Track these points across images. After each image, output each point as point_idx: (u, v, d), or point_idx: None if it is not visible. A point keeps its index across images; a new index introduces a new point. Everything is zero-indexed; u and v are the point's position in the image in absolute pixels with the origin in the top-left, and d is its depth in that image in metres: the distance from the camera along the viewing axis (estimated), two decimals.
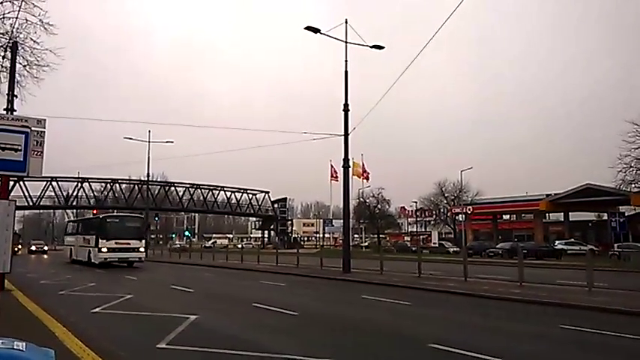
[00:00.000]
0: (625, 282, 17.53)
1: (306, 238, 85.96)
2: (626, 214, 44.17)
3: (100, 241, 26.02)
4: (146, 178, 48.46)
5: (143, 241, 28.22)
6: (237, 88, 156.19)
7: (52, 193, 57.18)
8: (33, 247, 53.12)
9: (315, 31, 20.47)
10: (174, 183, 66.73)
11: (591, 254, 18.18)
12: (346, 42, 21.11)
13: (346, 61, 21.54)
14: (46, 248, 54.66)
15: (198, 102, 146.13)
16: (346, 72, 21.73)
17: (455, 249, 48.40)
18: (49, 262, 36.02)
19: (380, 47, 21.63)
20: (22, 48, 16.66)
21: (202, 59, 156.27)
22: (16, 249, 42.99)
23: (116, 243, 26.03)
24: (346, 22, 21.06)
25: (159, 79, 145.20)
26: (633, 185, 30.64)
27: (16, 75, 16.55)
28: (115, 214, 31.29)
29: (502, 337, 8.39)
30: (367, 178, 54.45)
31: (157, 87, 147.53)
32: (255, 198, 70.25)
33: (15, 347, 2.50)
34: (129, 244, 26.46)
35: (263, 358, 6.33)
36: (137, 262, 26.93)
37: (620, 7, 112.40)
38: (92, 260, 26.61)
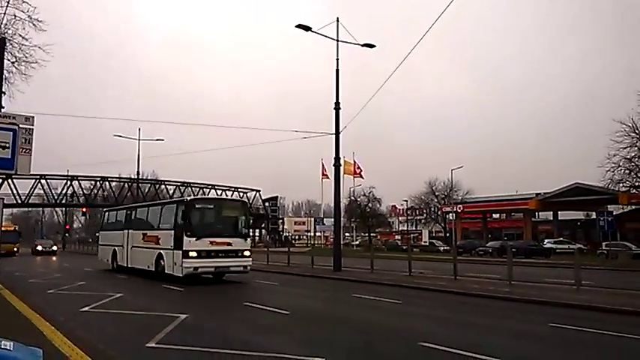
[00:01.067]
0: (612, 280, 17.75)
1: (297, 237, 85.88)
2: (614, 213, 44.65)
3: (185, 240, 15.96)
4: (136, 176, 48.29)
5: (249, 239, 18.31)
6: (230, 85, 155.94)
7: (41, 191, 56.49)
8: (39, 247, 47.93)
9: (307, 29, 20.44)
10: (164, 181, 66.34)
11: (579, 253, 18.45)
12: (337, 40, 21.15)
13: (337, 59, 21.60)
14: (54, 248, 49.93)
15: (190, 100, 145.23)
16: (337, 70, 21.77)
17: (445, 247, 48.60)
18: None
19: (371, 46, 21.68)
20: (11, 44, 16.58)
21: (196, 57, 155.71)
22: (14, 249, 39.07)
23: (211, 243, 16.31)
24: (337, 21, 21.10)
25: (151, 76, 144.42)
26: (621, 184, 30.96)
27: (4, 72, 16.41)
28: (206, 197, 19.61)
29: (492, 335, 8.46)
30: (361, 176, 54.56)
31: (149, 84, 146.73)
32: (246, 196, 69.94)
33: (2, 346, 2.49)
34: (229, 244, 16.78)
35: (253, 357, 6.31)
36: (241, 273, 17.44)
37: (615, 5, 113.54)
38: (166, 270, 16.88)
